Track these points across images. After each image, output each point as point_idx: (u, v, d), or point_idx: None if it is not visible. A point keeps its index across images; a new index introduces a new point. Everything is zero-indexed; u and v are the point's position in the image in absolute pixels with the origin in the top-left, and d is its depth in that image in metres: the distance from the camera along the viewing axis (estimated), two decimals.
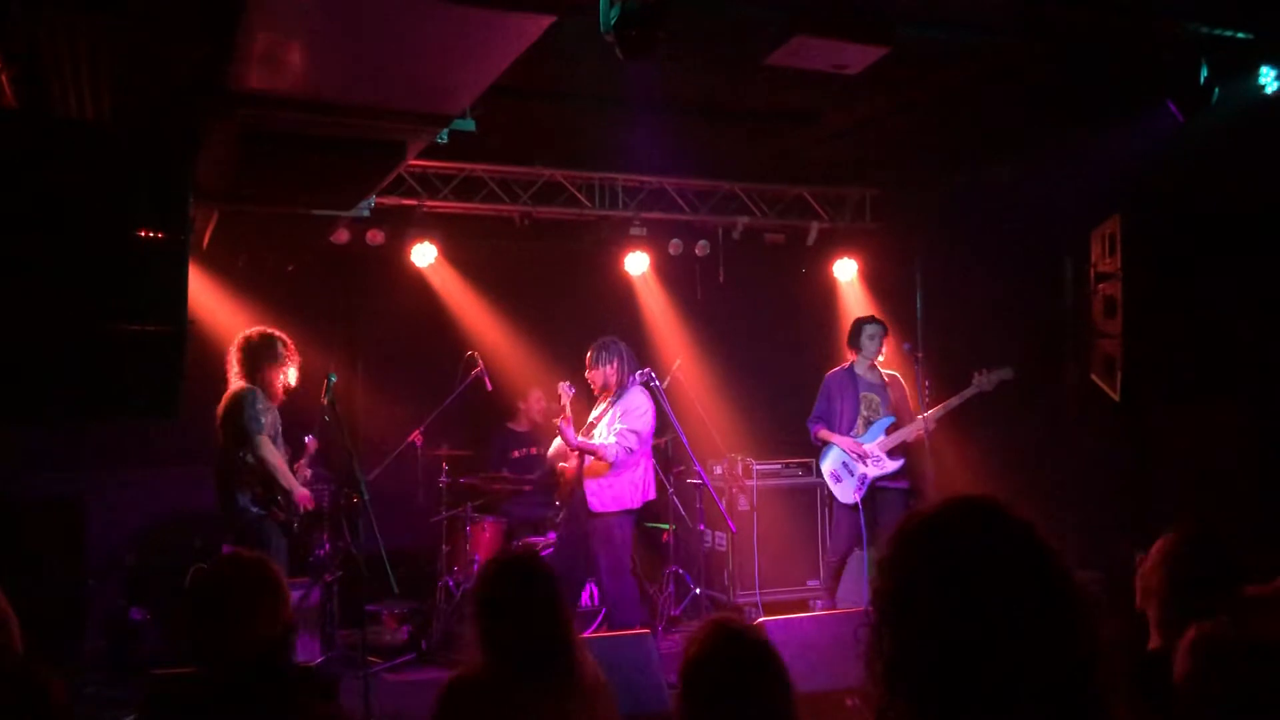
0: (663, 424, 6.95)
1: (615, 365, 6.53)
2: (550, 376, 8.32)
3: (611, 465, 6.34)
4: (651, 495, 6.66)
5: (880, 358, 7.18)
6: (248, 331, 6.15)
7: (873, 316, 7.34)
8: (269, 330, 6.15)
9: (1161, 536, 3.07)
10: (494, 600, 3.01)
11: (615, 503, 6.37)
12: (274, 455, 5.91)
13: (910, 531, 1.56)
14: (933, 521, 1.55)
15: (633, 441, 6.38)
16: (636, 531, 6.63)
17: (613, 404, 6.55)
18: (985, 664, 1.43)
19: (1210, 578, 3.03)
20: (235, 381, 6.02)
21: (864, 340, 7.11)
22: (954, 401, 6.89)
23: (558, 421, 6.50)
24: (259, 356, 6.02)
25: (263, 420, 5.91)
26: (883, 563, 1.57)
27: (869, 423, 7.09)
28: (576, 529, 6.54)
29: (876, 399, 7.13)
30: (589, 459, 6.46)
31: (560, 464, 6.81)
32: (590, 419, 6.67)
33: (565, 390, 6.54)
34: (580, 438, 6.49)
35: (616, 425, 6.43)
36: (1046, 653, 1.44)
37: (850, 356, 7.22)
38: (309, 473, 6.41)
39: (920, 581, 1.50)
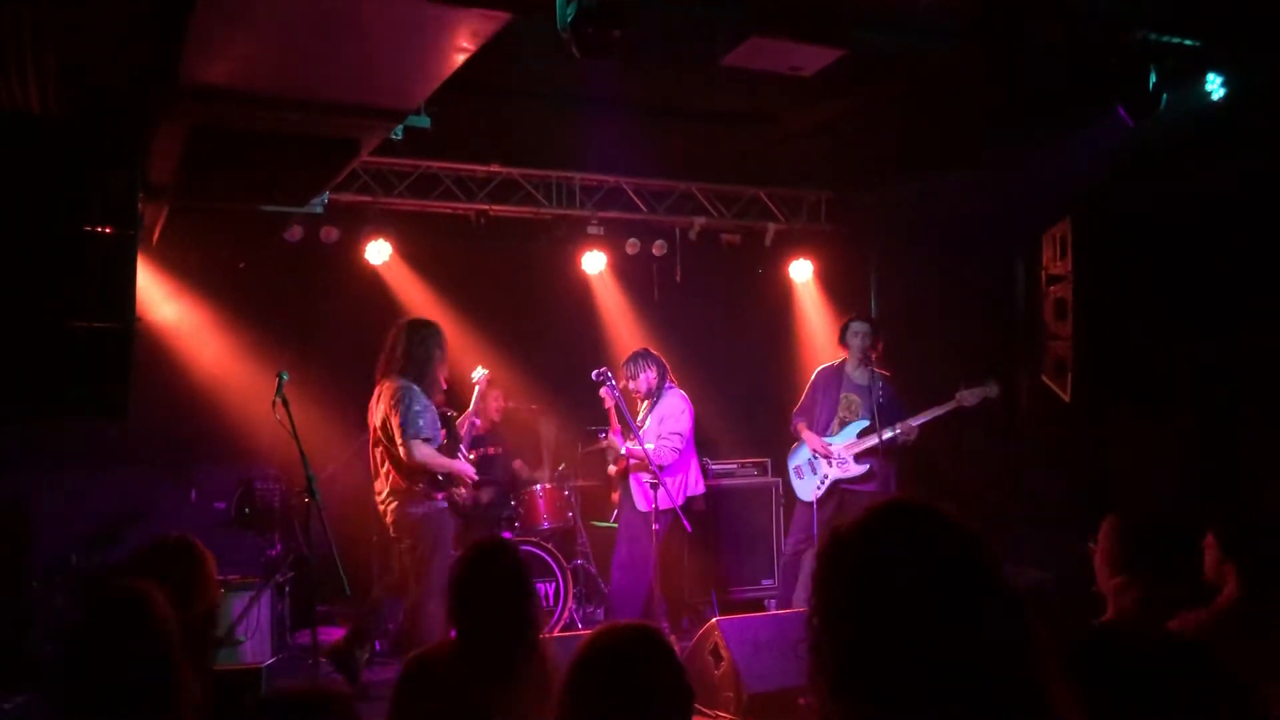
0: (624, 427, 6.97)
1: (652, 372, 6.95)
2: (507, 375, 8.30)
3: (662, 468, 6.66)
4: (699, 489, 7.06)
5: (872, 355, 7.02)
6: (412, 319, 6.10)
7: (863, 315, 7.23)
8: (430, 320, 6.12)
9: (1104, 522, 3.17)
10: (463, 582, 3.08)
11: (661, 501, 6.61)
12: (431, 455, 5.84)
13: (844, 537, 1.58)
14: (865, 526, 1.58)
15: (677, 443, 6.79)
16: (675, 530, 6.83)
17: (651, 409, 6.95)
18: (924, 663, 1.44)
19: (1152, 544, 3.15)
20: (391, 375, 5.92)
21: (849, 337, 7.01)
22: (937, 412, 6.76)
23: (608, 435, 7.02)
24: (420, 344, 5.92)
25: (423, 421, 5.79)
26: (820, 568, 1.59)
27: (844, 423, 7.02)
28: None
29: (857, 401, 6.99)
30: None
31: (610, 467, 7.21)
32: (638, 420, 7.02)
33: (608, 390, 6.78)
34: (630, 444, 6.85)
35: (658, 430, 6.81)
36: (984, 650, 1.46)
37: (843, 353, 7.11)
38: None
39: (856, 586, 1.52)
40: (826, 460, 6.98)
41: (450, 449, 6.20)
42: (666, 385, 6.98)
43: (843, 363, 7.11)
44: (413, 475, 5.91)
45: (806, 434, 7.08)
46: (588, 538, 7.95)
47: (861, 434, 6.93)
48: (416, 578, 5.90)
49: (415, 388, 5.85)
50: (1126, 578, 3.21)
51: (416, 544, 5.96)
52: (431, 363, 5.94)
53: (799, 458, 7.17)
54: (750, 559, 7.85)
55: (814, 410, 7.13)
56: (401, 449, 5.79)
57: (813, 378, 7.25)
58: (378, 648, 7.06)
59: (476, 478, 6.24)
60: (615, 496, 7.28)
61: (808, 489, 7.03)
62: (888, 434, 6.74)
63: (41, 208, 3.98)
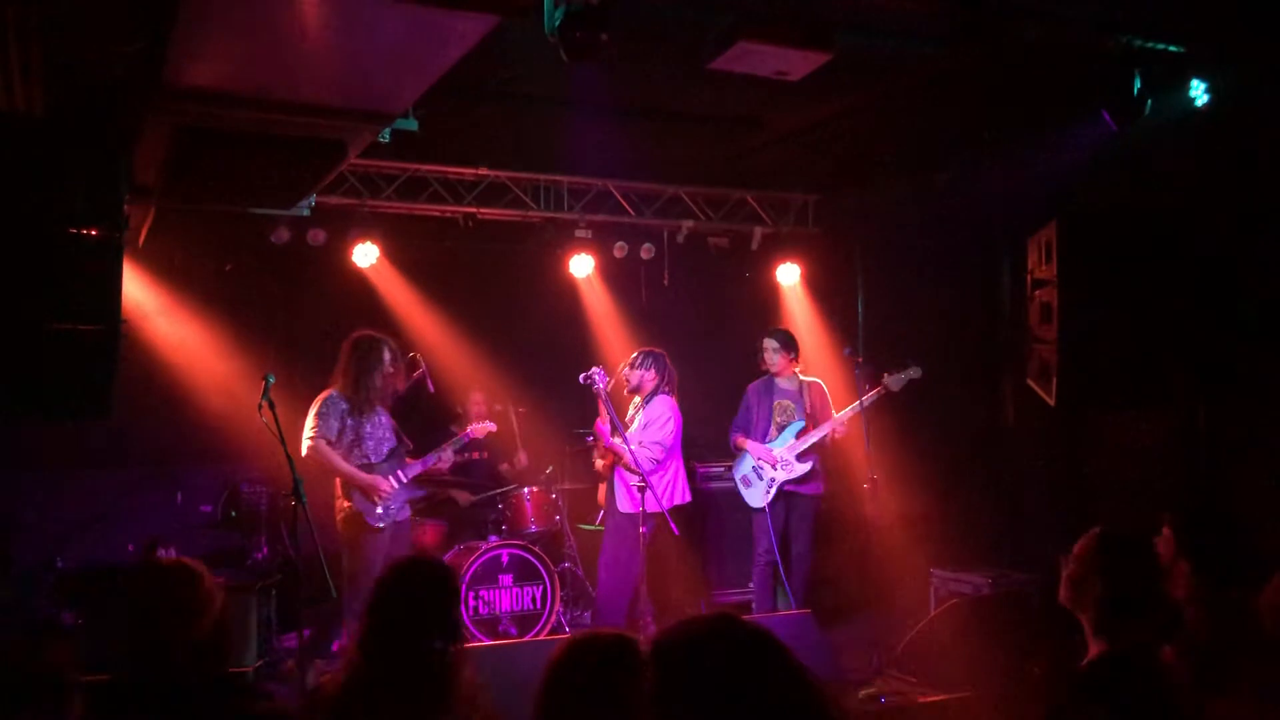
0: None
1: (652, 374, 7.00)
2: (494, 380, 8.29)
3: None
4: (684, 499, 7.06)
5: (796, 368, 7.38)
6: (356, 336, 6.39)
7: (776, 330, 7.49)
8: (374, 334, 6.40)
9: (1084, 539, 3.09)
10: (380, 606, 2.96)
11: (648, 504, 6.57)
12: (328, 456, 6.14)
13: (666, 644, 1.93)
14: (685, 636, 1.93)
15: (657, 453, 6.83)
16: (662, 534, 6.74)
17: (640, 409, 6.98)
18: None
19: (1147, 587, 3.09)
20: (327, 389, 6.33)
21: (763, 354, 7.35)
22: (864, 401, 6.94)
23: (595, 426, 7.01)
24: (356, 360, 6.26)
25: (324, 424, 6.16)
26: (650, 664, 1.95)
27: (781, 427, 7.26)
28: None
29: (790, 405, 7.29)
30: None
31: (597, 461, 7.22)
32: (626, 418, 7.04)
33: (599, 376, 6.80)
34: (615, 439, 6.83)
35: (640, 436, 6.85)
36: None
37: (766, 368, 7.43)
38: (449, 453, 6.70)
39: (678, 683, 1.87)
40: (772, 465, 7.16)
41: (391, 465, 6.36)
42: (661, 392, 7.00)
43: (770, 376, 7.40)
44: (334, 479, 6.29)
45: (748, 443, 7.29)
46: (575, 541, 7.94)
47: (799, 434, 7.17)
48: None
49: (335, 395, 6.25)
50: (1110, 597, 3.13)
51: (341, 550, 6.25)
52: (370, 376, 6.26)
53: (743, 469, 7.35)
54: (737, 562, 7.85)
55: (749, 423, 7.38)
56: (303, 447, 6.13)
57: (745, 393, 7.50)
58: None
59: (388, 490, 6.26)
60: (601, 496, 7.27)
61: (757, 496, 7.21)
62: (825, 429, 7.07)
63: (26, 209, 3.97)
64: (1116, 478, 6.76)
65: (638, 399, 7.08)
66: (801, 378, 7.37)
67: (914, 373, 7.02)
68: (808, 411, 7.23)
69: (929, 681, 6.11)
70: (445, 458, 6.72)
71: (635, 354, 7.14)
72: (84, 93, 5.26)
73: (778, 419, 7.29)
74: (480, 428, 7.07)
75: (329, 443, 6.18)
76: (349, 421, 6.26)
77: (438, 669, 2.89)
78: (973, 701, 5.71)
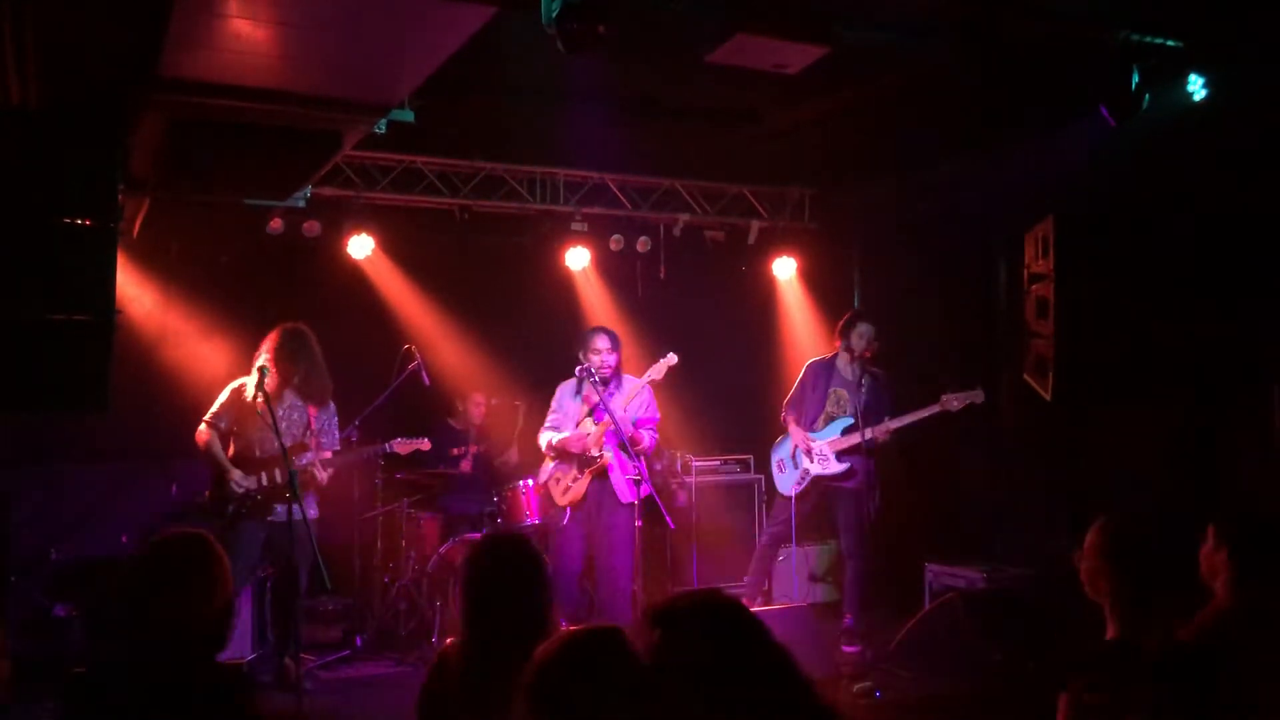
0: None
1: (619, 354, 6.56)
2: (488, 372, 8.29)
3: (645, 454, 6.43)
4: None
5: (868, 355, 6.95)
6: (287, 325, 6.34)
7: (867, 315, 7.07)
8: (293, 326, 6.33)
9: (1093, 528, 3.14)
10: (487, 577, 3.04)
11: (640, 493, 6.33)
12: (205, 441, 6.17)
13: (671, 610, 2.21)
14: (690, 605, 2.23)
15: (655, 430, 6.59)
16: (656, 526, 6.68)
17: (614, 393, 6.45)
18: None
19: (1158, 565, 3.12)
20: None
21: (853, 337, 6.88)
22: (920, 415, 6.76)
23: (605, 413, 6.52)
24: (275, 350, 6.20)
25: (215, 410, 6.17)
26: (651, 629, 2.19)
27: (830, 419, 6.97)
28: (592, 520, 6.50)
29: (845, 397, 6.95)
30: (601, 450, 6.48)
31: (604, 455, 6.52)
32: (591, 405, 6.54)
33: (668, 363, 6.42)
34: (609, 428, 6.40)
35: (637, 419, 6.47)
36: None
37: (836, 346, 7.05)
38: (327, 471, 6.37)
39: (684, 648, 2.13)
40: (808, 455, 6.93)
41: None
42: (622, 370, 6.62)
43: (834, 357, 7.06)
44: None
45: (793, 428, 7.03)
46: None
47: (845, 431, 6.88)
48: None
49: (241, 381, 6.23)
50: (1125, 585, 3.15)
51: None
52: (277, 366, 6.16)
53: (783, 450, 7.15)
54: (731, 555, 7.85)
55: (803, 404, 7.08)
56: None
57: (803, 371, 7.18)
58: (358, 643, 7.06)
59: (234, 486, 6.08)
60: (568, 498, 6.61)
61: (787, 483, 7.02)
62: (867, 433, 6.71)
63: (21, 200, 3.96)
64: (1113, 472, 6.75)
65: (603, 384, 6.46)
66: (869, 368, 6.94)
67: (977, 396, 6.67)
68: (859, 408, 6.79)
69: (924, 675, 6.13)
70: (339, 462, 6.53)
71: (601, 332, 6.60)
72: (79, 84, 5.24)
73: (829, 409, 6.97)
74: (407, 444, 6.79)
75: (220, 432, 6.20)
76: (235, 412, 6.18)
77: (539, 636, 2.96)
78: (967, 696, 5.73)
